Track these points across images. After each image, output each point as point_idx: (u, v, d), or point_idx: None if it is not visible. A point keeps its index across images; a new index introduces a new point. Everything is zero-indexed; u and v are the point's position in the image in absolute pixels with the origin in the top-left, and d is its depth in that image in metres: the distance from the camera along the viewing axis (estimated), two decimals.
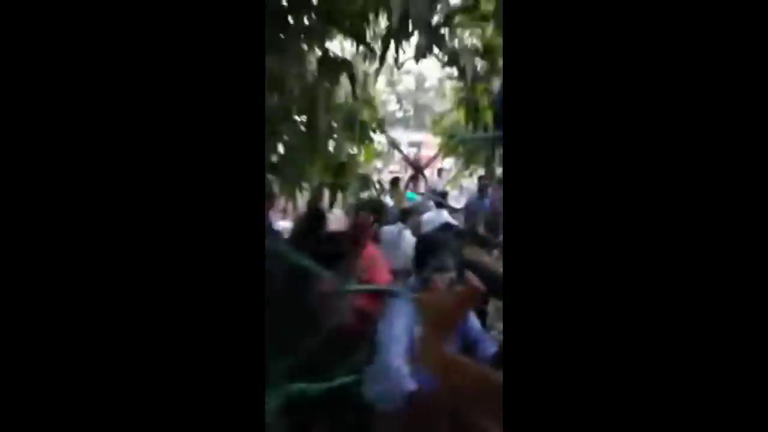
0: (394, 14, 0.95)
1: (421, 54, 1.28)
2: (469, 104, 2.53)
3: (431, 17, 1.06)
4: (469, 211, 3.92)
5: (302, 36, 1.27)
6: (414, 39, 1.22)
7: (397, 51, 1.29)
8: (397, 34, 1.12)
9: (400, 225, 2.44)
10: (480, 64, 2.61)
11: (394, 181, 4.73)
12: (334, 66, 1.24)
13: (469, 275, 0.56)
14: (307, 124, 1.42)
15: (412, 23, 1.02)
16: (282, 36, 1.19)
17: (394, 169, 6.85)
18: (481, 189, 4.24)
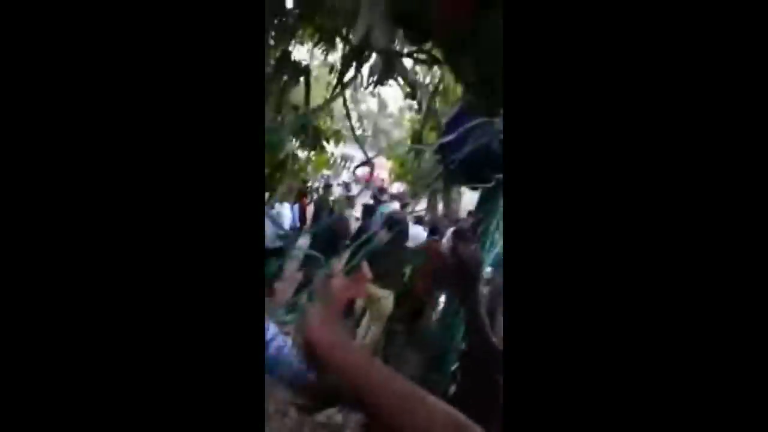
0: (356, 35, 1.03)
1: (380, 77, 1.38)
2: (420, 134, 2.69)
3: (390, 46, 1.15)
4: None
5: (272, 33, 1.31)
6: (374, 62, 1.31)
7: (358, 70, 1.37)
8: (357, 54, 1.21)
9: None
10: (437, 103, 2.81)
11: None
12: (292, 66, 1.28)
13: (363, 264, 0.58)
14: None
15: (372, 47, 1.11)
16: None
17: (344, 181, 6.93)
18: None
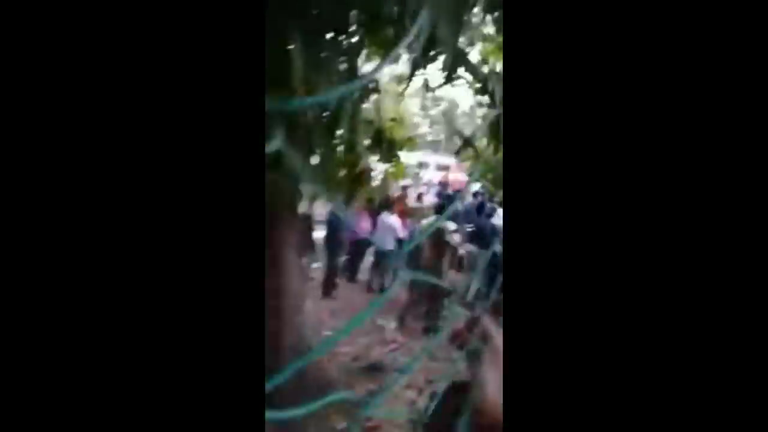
0: (421, 36, 1.03)
1: (448, 75, 1.35)
2: (496, 128, 2.56)
3: (456, 40, 1.12)
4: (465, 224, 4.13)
5: (339, 57, 1.38)
6: (442, 62, 1.29)
7: (425, 66, 1.35)
8: (423, 56, 1.20)
9: None
10: None
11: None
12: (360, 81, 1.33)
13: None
14: (338, 137, 1.52)
15: (438, 44, 1.09)
16: (321, 55, 1.30)
17: (421, 189, 6.98)
18: (479, 206, 4.56)
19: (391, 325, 3.68)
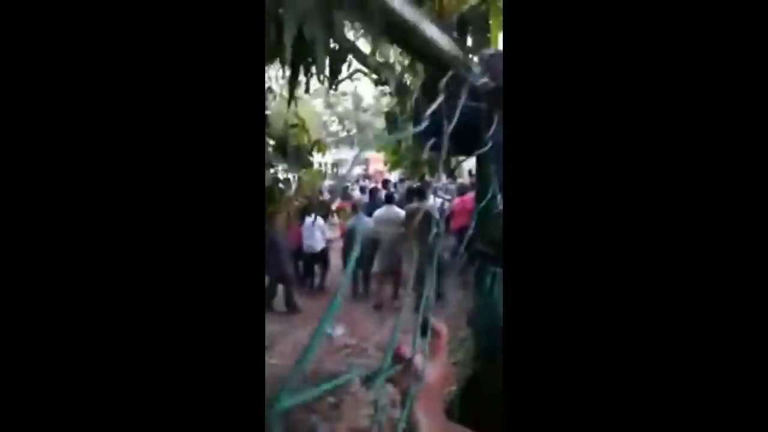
0: (288, 36, 0.97)
1: (331, 72, 1.31)
2: (391, 116, 2.61)
3: (326, 37, 1.08)
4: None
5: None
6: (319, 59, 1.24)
7: (306, 73, 1.31)
8: (298, 56, 1.14)
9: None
10: (409, 79, 2.72)
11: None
12: None
13: (436, 324, 0.50)
14: None
15: (310, 44, 1.04)
16: None
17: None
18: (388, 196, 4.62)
19: (339, 331, 3.61)
